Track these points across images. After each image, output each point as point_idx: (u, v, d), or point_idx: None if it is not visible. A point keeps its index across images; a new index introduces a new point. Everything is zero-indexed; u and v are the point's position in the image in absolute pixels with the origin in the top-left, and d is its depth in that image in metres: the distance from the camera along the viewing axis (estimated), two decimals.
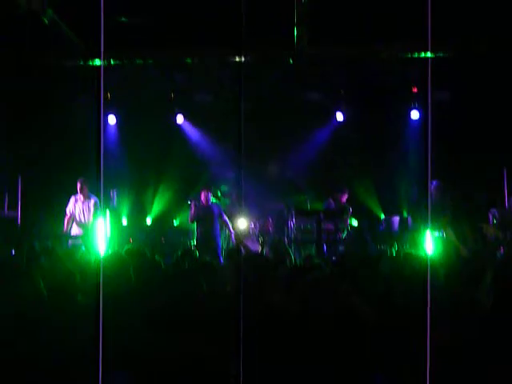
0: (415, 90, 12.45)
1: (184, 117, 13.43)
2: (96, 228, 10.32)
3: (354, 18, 9.34)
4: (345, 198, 12.15)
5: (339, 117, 13.09)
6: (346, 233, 11.84)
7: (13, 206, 12.04)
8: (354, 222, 12.31)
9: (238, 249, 12.06)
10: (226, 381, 3.45)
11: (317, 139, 13.50)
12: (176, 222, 13.69)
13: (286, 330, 3.70)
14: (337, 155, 13.20)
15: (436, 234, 10.16)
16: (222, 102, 12.75)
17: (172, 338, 3.63)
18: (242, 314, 2.74)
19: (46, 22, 8.88)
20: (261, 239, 12.43)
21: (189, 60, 10.90)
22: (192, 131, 13.68)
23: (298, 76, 11.85)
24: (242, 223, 12.86)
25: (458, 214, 11.24)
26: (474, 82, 11.11)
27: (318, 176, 13.10)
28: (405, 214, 12.84)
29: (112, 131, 13.22)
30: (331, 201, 12.14)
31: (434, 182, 11.34)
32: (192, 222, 11.99)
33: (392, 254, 9.43)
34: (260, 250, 11.48)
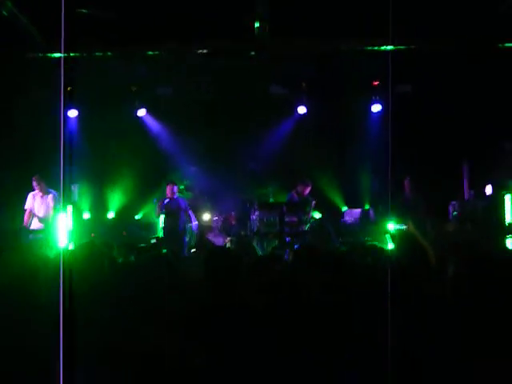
0: (376, 83, 12.53)
1: (146, 110, 13.36)
2: (57, 222, 10.23)
3: (316, 12, 9.37)
4: (307, 190, 12.20)
5: (301, 110, 13.12)
6: (308, 225, 11.90)
7: None
8: (317, 215, 12.38)
9: (202, 242, 12.13)
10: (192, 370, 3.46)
11: (279, 132, 13.53)
12: (138, 216, 13.63)
13: (249, 320, 3.71)
14: (299, 148, 13.23)
15: (397, 226, 10.26)
16: (183, 94, 12.73)
17: (131, 331, 3.63)
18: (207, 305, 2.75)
19: (5, 14, 8.77)
20: (224, 233, 12.45)
21: (150, 53, 10.86)
22: (154, 124, 13.61)
23: (260, 69, 11.87)
24: (205, 217, 12.88)
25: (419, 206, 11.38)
26: (435, 74, 11.22)
27: (281, 169, 13.13)
28: (366, 207, 12.96)
29: (73, 125, 13.09)
30: (294, 194, 12.18)
31: (407, 178, 11.49)
32: (158, 216, 11.98)
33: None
34: (224, 244, 11.49)
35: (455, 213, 11.57)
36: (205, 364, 3.57)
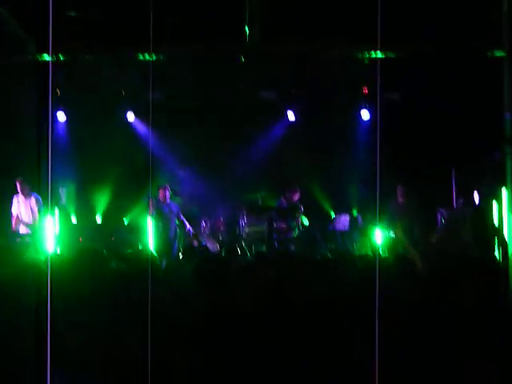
0: (366, 89, 12.55)
1: (135, 114, 13.31)
2: (43, 226, 10.19)
3: (305, 18, 9.38)
4: (296, 196, 12.20)
5: (290, 116, 13.13)
6: (297, 231, 11.89)
7: None
8: (306, 221, 12.37)
9: (192, 247, 12.08)
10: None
11: (268, 138, 13.52)
12: (126, 221, 13.57)
13: (238, 325, 3.71)
14: (288, 154, 13.23)
15: (386, 233, 10.27)
16: (173, 98, 12.70)
17: (118, 338, 3.61)
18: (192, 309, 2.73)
19: None
20: (217, 238, 12.42)
21: (140, 57, 10.83)
22: (143, 129, 13.57)
23: (250, 74, 11.86)
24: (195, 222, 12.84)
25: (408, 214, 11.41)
26: (423, 82, 11.24)
27: (270, 175, 13.12)
28: (355, 213, 12.96)
29: (61, 128, 13.03)
30: (283, 200, 12.18)
31: (399, 187, 11.52)
32: (151, 214, 11.90)
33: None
34: (217, 249, 11.49)
35: (443, 220, 11.59)
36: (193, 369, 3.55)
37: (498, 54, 7.62)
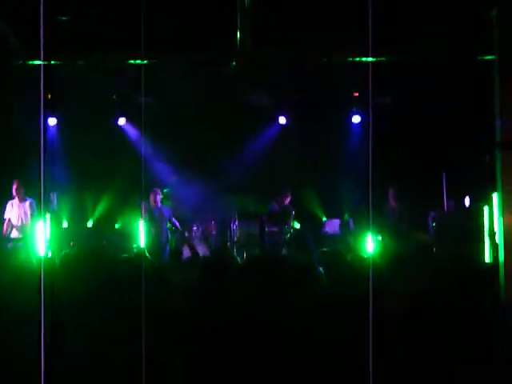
0: (356, 94, 12.59)
1: (126, 119, 13.31)
2: (35, 230, 10.17)
3: (296, 23, 9.41)
4: (288, 200, 12.22)
5: (282, 120, 13.16)
6: (288, 235, 11.91)
7: None
8: (297, 225, 12.39)
9: (181, 251, 12.07)
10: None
11: (260, 142, 13.55)
12: (118, 225, 13.56)
13: (230, 327, 3.71)
14: (280, 158, 13.25)
15: (376, 237, 10.30)
16: (164, 104, 12.71)
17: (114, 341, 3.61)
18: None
19: None
20: (209, 242, 12.42)
21: (131, 62, 10.82)
22: (134, 133, 13.57)
23: (242, 79, 11.88)
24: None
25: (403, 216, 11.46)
26: (415, 86, 11.29)
27: (261, 179, 13.13)
28: (346, 217, 12.98)
29: (52, 133, 13.02)
30: (274, 204, 12.20)
31: (391, 190, 11.55)
32: (144, 218, 11.89)
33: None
34: (206, 253, 11.47)
35: (434, 224, 11.63)
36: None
37: (489, 59, 7.67)
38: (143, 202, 11.76)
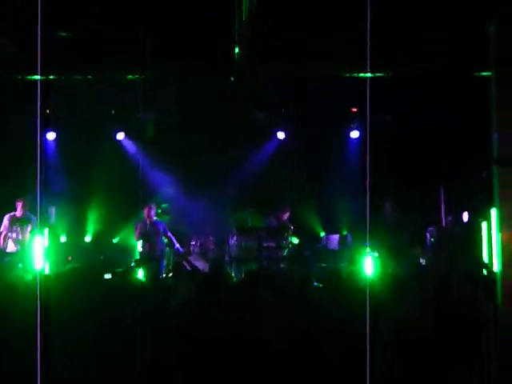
0: (355, 109, 12.61)
1: (125, 133, 13.33)
2: (33, 245, 10.15)
3: (294, 38, 9.43)
4: (286, 216, 12.21)
5: (280, 135, 13.18)
6: (286, 251, 11.89)
7: None
8: (295, 240, 12.38)
9: (181, 266, 12.05)
10: None
11: (258, 157, 13.56)
12: (115, 240, 13.53)
13: (228, 341, 3.71)
14: (278, 173, 13.26)
15: (372, 253, 10.28)
16: (162, 118, 12.72)
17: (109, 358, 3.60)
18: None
19: None
20: (207, 257, 12.39)
21: (130, 77, 10.84)
22: (133, 148, 13.57)
23: (240, 94, 11.90)
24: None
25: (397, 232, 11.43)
26: (413, 102, 11.32)
27: (260, 194, 13.13)
28: (344, 232, 12.97)
29: (51, 147, 13.02)
30: (272, 219, 12.19)
31: (389, 204, 11.55)
32: (138, 239, 11.87)
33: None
34: (205, 268, 11.44)
35: (432, 239, 11.62)
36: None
37: (486, 74, 7.70)
38: (137, 218, 11.74)
